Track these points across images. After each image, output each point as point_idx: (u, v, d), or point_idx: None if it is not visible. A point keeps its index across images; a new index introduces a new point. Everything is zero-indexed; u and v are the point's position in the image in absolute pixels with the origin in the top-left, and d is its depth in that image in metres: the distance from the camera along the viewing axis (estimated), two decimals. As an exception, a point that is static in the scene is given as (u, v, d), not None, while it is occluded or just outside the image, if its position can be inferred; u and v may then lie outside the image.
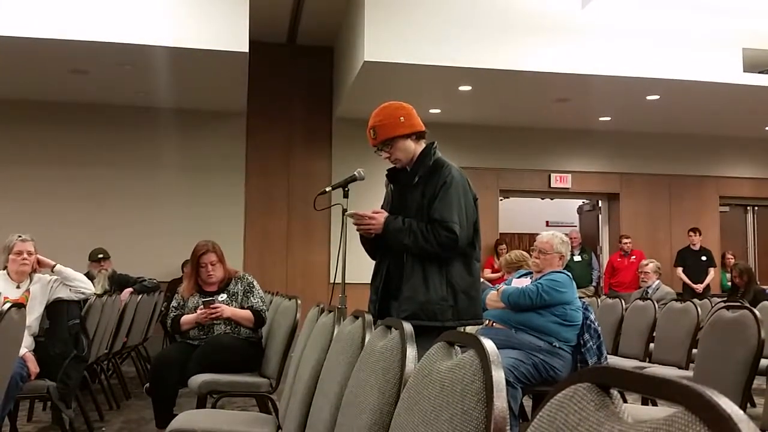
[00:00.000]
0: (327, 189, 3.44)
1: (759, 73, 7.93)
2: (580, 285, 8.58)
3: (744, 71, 7.86)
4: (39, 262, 4.17)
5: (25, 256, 4.07)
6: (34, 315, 3.96)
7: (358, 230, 3.04)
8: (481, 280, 4.14)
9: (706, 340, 3.52)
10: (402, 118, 3.03)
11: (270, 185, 9.56)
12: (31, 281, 4.10)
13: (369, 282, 3.10)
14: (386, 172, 3.20)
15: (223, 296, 4.21)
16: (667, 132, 10.37)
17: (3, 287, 4.01)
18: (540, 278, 3.91)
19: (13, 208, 8.56)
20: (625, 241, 9.92)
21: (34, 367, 3.78)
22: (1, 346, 2.91)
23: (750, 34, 7.83)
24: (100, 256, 7.20)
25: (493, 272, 9.41)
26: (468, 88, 8.19)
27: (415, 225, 2.91)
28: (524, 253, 4.74)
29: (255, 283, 4.35)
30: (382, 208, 3.20)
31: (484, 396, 0.90)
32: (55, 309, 4.10)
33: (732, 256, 10.35)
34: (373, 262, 3.15)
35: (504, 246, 9.74)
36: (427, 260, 2.91)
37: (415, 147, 3.06)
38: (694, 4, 7.58)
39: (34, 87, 8.36)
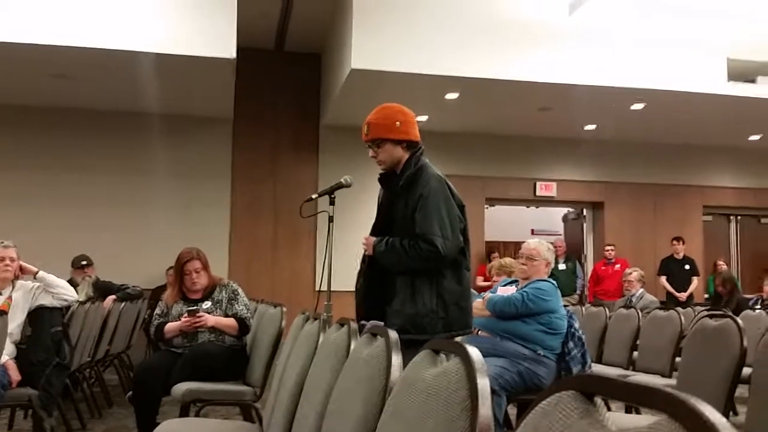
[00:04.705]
0: (313, 196, 3.43)
1: (743, 82, 8.01)
2: (565, 293, 8.60)
3: (728, 81, 7.94)
4: (21, 268, 4.13)
5: (8, 262, 4.03)
6: (15, 322, 3.92)
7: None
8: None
9: (689, 348, 3.54)
10: (398, 123, 2.98)
11: (256, 192, 9.52)
12: (13, 288, 4.06)
13: (354, 290, 3.10)
14: (378, 177, 3.18)
15: (208, 304, 4.18)
16: (651, 141, 10.44)
17: (-16, 294, 3.97)
18: (525, 286, 3.92)
19: (-4, 213, 8.48)
20: (608, 248, 9.96)
21: (15, 375, 3.74)
22: (-18, 353, 2.87)
23: (734, 43, 7.91)
24: (84, 262, 7.13)
25: (485, 280, 9.40)
26: (455, 96, 8.21)
27: (397, 243, 2.88)
28: (515, 262, 4.77)
29: (239, 290, 4.32)
30: (377, 214, 3.20)
31: (469, 404, 0.89)
32: (37, 316, 4.05)
33: (723, 263, 10.37)
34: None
35: (496, 254, 9.77)
36: (416, 273, 2.89)
37: (403, 154, 3.02)
38: (680, 14, 7.65)
39: (18, 91, 8.29)
